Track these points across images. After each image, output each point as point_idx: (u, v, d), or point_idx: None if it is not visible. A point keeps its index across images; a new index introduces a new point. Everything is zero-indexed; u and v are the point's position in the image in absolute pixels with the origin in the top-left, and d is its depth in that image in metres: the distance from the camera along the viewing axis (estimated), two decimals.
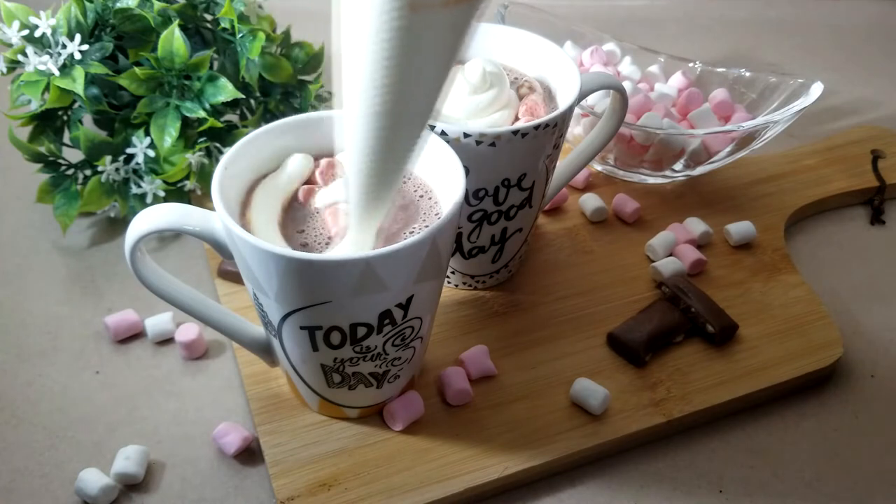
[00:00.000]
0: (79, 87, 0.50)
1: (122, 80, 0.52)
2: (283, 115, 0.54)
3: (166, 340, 0.49)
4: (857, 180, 0.62)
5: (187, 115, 0.53)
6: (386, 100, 0.29)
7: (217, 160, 0.56)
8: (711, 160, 0.58)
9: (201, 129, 0.54)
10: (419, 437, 0.43)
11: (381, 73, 0.28)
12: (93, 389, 0.46)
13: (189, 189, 0.55)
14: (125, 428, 0.44)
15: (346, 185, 0.33)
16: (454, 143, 0.41)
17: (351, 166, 0.32)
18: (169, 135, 0.53)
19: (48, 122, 0.55)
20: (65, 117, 0.55)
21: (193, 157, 0.54)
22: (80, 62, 0.51)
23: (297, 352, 0.39)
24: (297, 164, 0.40)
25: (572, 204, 0.58)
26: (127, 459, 0.41)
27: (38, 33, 0.51)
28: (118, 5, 0.54)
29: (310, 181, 0.40)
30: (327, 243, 0.37)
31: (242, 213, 0.38)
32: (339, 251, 0.36)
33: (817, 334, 0.49)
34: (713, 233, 0.55)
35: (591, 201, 0.57)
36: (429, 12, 0.26)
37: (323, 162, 0.40)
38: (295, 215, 0.39)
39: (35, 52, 0.51)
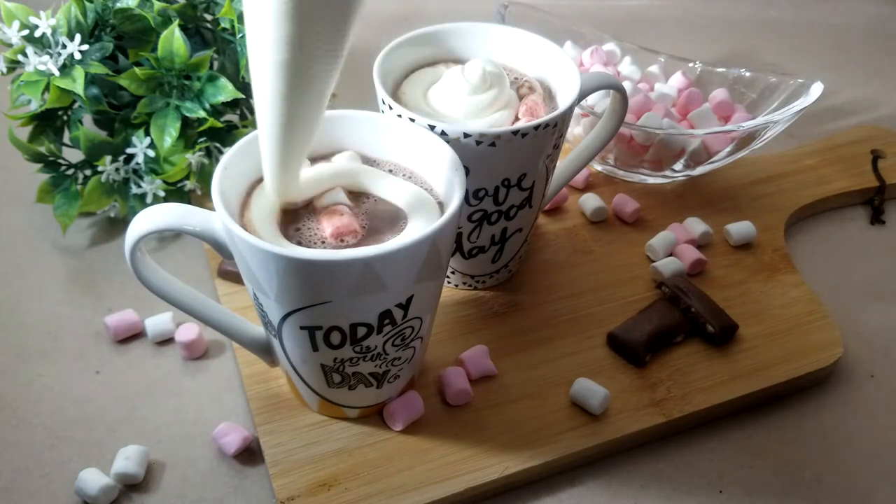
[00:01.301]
0: (79, 87, 0.50)
1: (122, 80, 0.52)
2: None
3: (166, 340, 0.49)
4: (857, 180, 0.62)
5: (187, 115, 0.53)
6: (288, 49, 0.31)
7: (217, 160, 0.56)
8: (711, 160, 0.58)
9: (201, 129, 0.54)
10: (419, 437, 0.43)
11: (282, 24, 0.30)
12: (93, 389, 0.46)
13: (189, 189, 0.55)
14: (125, 428, 0.44)
15: (261, 144, 0.36)
16: (454, 143, 0.41)
17: (263, 120, 0.34)
18: (169, 135, 0.53)
19: (48, 122, 0.55)
20: (65, 117, 0.55)
21: (193, 157, 0.54)
22: (80, 62, 0.51)
23: (297, 352, 0.39)
24: None
25: (572, 204, 0.58)
26: (127, 459, 0.41)
27: (38, 33, 0.51)
28: (118, 5, 0.54)
29: None
30: (323, 242, 0.37)
31: (242, 214, 0.38)
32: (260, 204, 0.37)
33: (817, 334, 0.49)
34: (713, 233, 0.55)
35: (591, 201, 0.57)
36: None
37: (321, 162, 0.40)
38: (294, 215, 0.39)
39: (35, 52, 0.51)
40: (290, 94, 0.33)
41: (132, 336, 0.49)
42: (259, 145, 0.36)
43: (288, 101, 0.33)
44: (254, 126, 0.54)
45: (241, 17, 0.56)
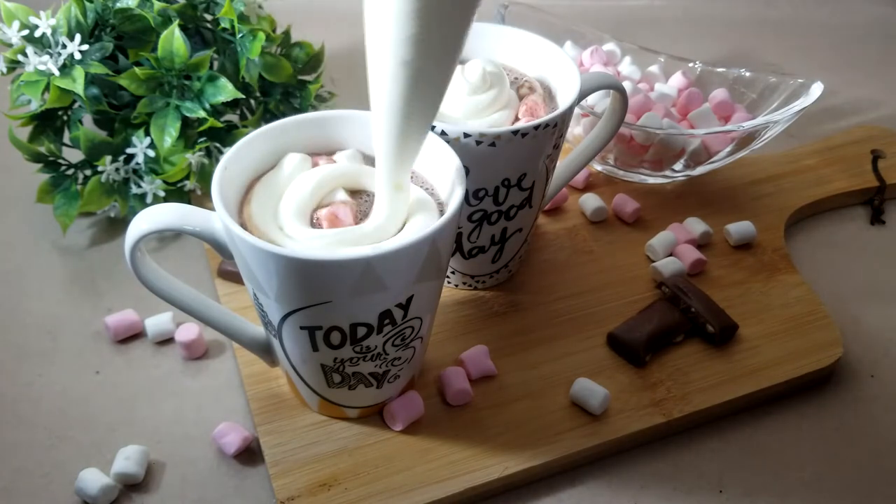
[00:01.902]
0: (79, 87, 0.50)
1: (122, 80, 0.52)
2: (283, 115, 0.54)
3: (166, 340, 0.49)
4: (857, 180, 0.62)
5: (187, 115, 0.53)
6: (413, 49, 0.32)
7: (217, 160, 0.56)
8: (711, 160, 0.58)
9: (201, 129, 0.54)
10: (419, 437, 0.43)
11: (408, 23, 0.31)
12: (93, 389, 0.46)
13: (189, 189, 0.55)
14: (125, 428, 0.44)
15: (376, 148, 0.36)
16: (454, 143, 0.41)
17: (380, 124, 0.35)
18: (169, 135, 0.53)
19: (48, 122, 0.55)
20: (65, 117, 0.55)
21: (193, 157, 0.54)
22: (80, 62, 0.51)
23: (297, 352, 0.39)
24: (293, 164, 0.40)
25: (572, 204, 0.58)
26: (127, 459, 0.41)
27: (38, 33, 0.51)
28: (118, 5, 0.54)
29: None
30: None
31: (241, 213, 0.38)
32: (375, 215, 0.37)
33: (817, 334, 0.49)
34: (713, 233, 0.55)
35: (591, 201, 0.57)
36: None
37: (321, 162, 0.40)
38: None
39: (35, 52, 0.51)
40: (411, 93, 0.34)
41: (132, 336, 0.49)
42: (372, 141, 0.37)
43: (409, 100, 0.34)
44: (254, 126, 0.54)
45: (241, 17, 0.56)
